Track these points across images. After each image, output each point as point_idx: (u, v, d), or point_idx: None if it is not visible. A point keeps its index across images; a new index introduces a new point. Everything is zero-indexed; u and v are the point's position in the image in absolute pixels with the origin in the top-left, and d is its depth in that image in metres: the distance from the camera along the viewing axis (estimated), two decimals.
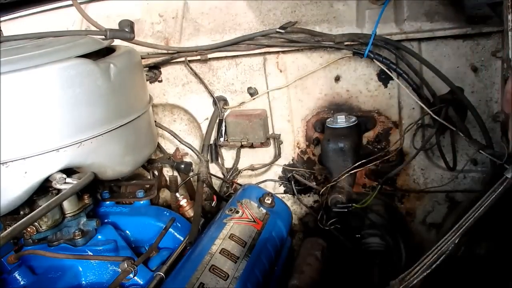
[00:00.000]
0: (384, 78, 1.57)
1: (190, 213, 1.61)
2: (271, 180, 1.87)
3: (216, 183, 1.91)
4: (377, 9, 1.46)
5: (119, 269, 1.15)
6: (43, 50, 1.11)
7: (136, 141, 1.31)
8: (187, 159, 1.87)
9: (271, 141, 1.81)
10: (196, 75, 1.77)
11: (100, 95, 1.14)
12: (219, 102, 1.78)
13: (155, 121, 1.60)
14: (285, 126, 1.78)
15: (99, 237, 1.29)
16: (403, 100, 1.57)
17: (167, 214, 1.47)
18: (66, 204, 1.26)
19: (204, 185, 1.71)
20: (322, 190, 1.58)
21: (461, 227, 0.87)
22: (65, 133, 1.08)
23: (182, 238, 1.41)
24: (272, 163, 1.84)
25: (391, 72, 1.49)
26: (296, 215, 1.87)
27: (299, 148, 1.80)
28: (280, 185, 1.88)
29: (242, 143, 1.74)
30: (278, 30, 1.54)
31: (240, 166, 1.90)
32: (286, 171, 1.84)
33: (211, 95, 1.79)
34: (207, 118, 1.84)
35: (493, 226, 1.13)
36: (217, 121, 1.79)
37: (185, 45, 1.73)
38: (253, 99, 1.75)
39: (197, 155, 1.79)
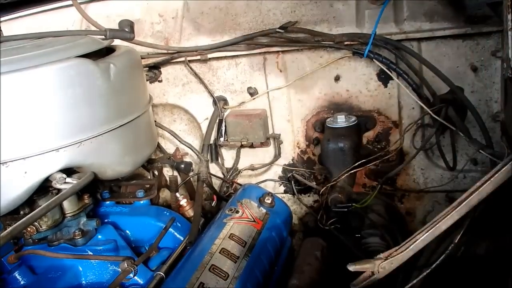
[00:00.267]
0: (384, 78, 1.57)
1: (190, 213, 1.61)
2: (271, 180, 1.87)
3: (216, 183, 1.91)
4: (377, 9, 1.46)
5: (119, 269, 1.15)
6: (43, 50, 1.11)
7: (136, 141, 1.31)
8: (187, 159, 1.87)
9: (271, 141, 1.81)
10: (196, 75, 1.77)
11: (100, 95, 1.14)
12: (219, 102, 1.78)
13: (155, 121, 1.60)
14: (285, 126, 1.78)
15: (99, 237, 1.28)
16: (403, 100, 1.57)
17: (167, 214, 1.47)
18: (66, 204, 1.26)
19: (204, 185, 1.71)
20: (322, 190, 1.58)
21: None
22: (65, 133, 1.08)
23: (182, 238, 1.41)
24: (272, 163, 1.84)
25: (391, 72, 1.49)
26: (296, 215, 1.87)
27: (299, 148, 1.80)
28: (280, 185, 1.88)
29: (242, 143, 1.74)
30: (278, 30, 1.54)
31: (240, 166, 1.90)
32: (286, 171, 1.84)
33: (211, 95, 1.79)
34: (207, 118, 1.84)
35: (493, 226, 1.13)
36: (217, 121, 1.79)
37: (185, 45, 1.73)
38: (253, 99, 1.75)
39: (197, 155, 1.79)
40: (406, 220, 1.70)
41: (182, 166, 1.79)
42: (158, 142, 1.72)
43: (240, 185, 1.79)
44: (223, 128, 1.78)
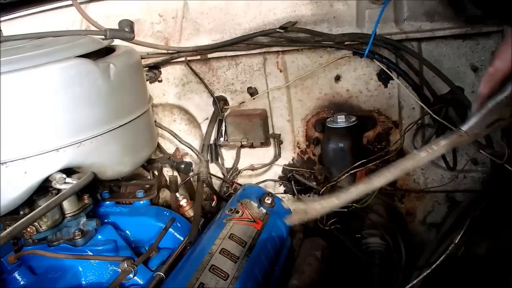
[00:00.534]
0: (384, 78, 1.57)
1: (190, 213, 1.61)
2: (271, 180, 1.87)
3: (216, 183, 1.91)
4: (377, 9, 1.46)
5: (119, 269, 1.15)
6: (42, 50, 1.11)
7: (136, 141, 1.31)
8: (187, 159, 1.87)
9: (271, 141, 1.81)
10: (196, 75, 1.77)
11: (100, 95, 1.14)
12: (219, 102, 1.78)
13: (155, 121, 1.60)
14: (285, 126, 1.78)
15: (99, 237, 1.28)
16: (403, 100, 1.57)
17: (167, 214, 1.47)
18: (66, 204, 1.26)
19: (204, 185, 1.71)
20: (322, 190, 1.58)
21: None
22: (65, 133, 1.08)
23: (182, 238, 1.40)
24: (272, 163, 1.84)
25: (391, 72, 1.49)
26: None
27: (299, 148, 1.80)
28: (280, 185, 1.88)
29: (242, 143, 1.74)
30: (278, 30, 1.54)
31: (240, 166, 1.90)
32: (286, 171, 1.84)
33: (211, 95, 1.79)
34: (207, 118, 1.84)
35: (493, 226, 1.13)
36: (217, 121, 1.79)
37: (185, 45, 1.73)
38: (253, 99, 1.75)
39: (197, 155, 1.79)
40: (406, 220, 1.70)
41: (182, 166, 1.79)
42: (158, 142, 1.72)
43: (240, 185, 1.79)
44: (223, 128, 1.78)
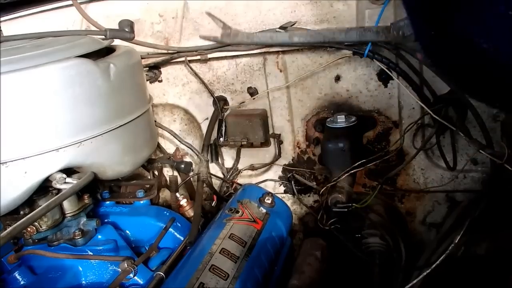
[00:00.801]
0: (384, 78, 1.57)
1: (190, 213, 1.61)
2: (271, 180, 1.87)
3: (216, 183, 1.91)
4: (377, 9, 1.45)
5: (119, 269, 1.15)
6: (43, 50, 1.11)
7: (136, 141, 1.32)
8: (187, 159, 1.87)
9: (271, 141, 1.81)
10: (196, 75, 1.77)
11: (100, 95, 1.14)
12: (219, 102, 1.78)
13: (155, 121, 1.60)
14: (285, 126, 1.78)
15: (99, 237, 1.29)
16: (403, 100, 1.57)
17: (167, 214, 1.47)
18: (66, 204, 1.26)
19: (204, 185, 1.71)
20: (322, 190, 1.58)
21: None
22: (65, 133, 1.08)
23: (182, 238, 1.41)
24: (272, 163, 1.84)
25: (391, 72, 1.48)
26: (296, 215, 1.87)
27: (299, 148, 1.80)
28: (280, 185, 1.88)
29: (242, 143, 1.74)
30: (278, 30, 1.54)
31: (240, 166, 1.90)
32: (286, 171, 1.84)
33: (211, 95, 1.79)
34: (207, 118, 1.84)
35: (493, 226, 1.13)
36: (217, 121, 1.79)
37: (185, 45, 1.73)
38: (253, 99, 1.75)
39: (197, 155, 1.79)
40: (406, 220, 1.70)
41: (182, 166, 1.79)
42: (158, 142, 1.72)
43: (240, 185, 1.79)
44: (223, 128, 1.78)
